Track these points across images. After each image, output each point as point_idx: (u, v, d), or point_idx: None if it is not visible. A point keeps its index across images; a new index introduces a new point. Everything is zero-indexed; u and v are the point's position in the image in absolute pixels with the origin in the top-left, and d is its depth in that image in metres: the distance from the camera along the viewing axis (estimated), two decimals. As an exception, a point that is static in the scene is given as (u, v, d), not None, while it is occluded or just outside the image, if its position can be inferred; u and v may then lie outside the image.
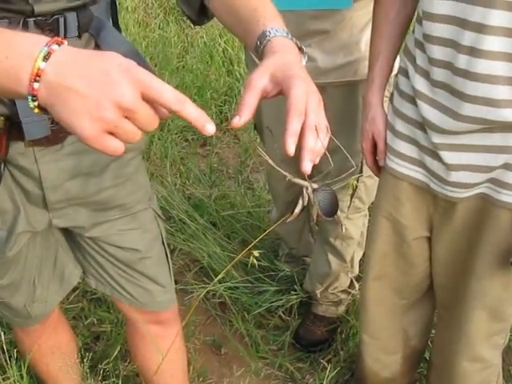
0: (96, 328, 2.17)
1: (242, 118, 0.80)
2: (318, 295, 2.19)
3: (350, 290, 2.22)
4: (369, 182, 1.88)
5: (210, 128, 0.74)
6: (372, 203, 2.21)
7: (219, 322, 2.26)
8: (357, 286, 2.23)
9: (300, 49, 0.91)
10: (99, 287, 1.46)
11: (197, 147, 3.17)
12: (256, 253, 1.42)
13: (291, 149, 0.78)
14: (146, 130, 0.72)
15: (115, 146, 0.71)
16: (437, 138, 1.29)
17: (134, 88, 0.68)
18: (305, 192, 0.91)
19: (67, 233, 1.38)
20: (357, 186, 1.87)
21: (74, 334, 1.76)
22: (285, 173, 0.89)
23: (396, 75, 1.45)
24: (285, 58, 0.86)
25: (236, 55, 3.70)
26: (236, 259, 1.45)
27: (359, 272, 2.19)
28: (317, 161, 0.81)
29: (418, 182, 1.40)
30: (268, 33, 0.90)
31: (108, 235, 1.35)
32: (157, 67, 3.55)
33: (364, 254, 2.19)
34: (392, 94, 1.45)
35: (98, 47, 1.15)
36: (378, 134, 1.45)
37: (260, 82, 0.83)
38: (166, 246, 1.48)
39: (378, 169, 1.50)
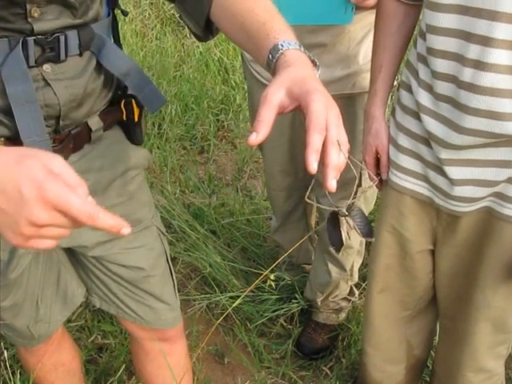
0: (100, 340, 2.12)
1: (260, 134, 0.76)
2: (319, 303, 2.16)
3: (350, 298, 2.19)
4: (368, 193, 1.86)
5: (126, 231, 0.74)
6: (370, 213, 2.19)
7: (222, 332, 2.23)
8: (356, 293, 2.21)
9: (313, 62, 0.88)
10: (103, 306, 1.42)
11: (195, 155, 3.15)
12: (272, 276, 1.39)
13: (313, 166, 0.74)
14: (73, 228, 0.72)
15: (45, 245, 0.72)
16: (442, 153, 1.25)
17: (45, 207, 0.69)
18: (342, 218, 0.87)
19: (70, 252, 1.34)
20: (355, 196, 1.83)
21: (78, 349, 1.71)
22: (313, 202, 0.85)
23: (397, 89, 1.41)
24: (300, 71, 0.82)
25: (231, 64, 3.68)
26: (254, 284, 1.40)
27: (359, 280, 2.17)
28: (338, 176, 0.77)
29: (422, 196, 1.36)
30: (280, 46, 0.86)
31: (111, 254, 1.31)
32: (154, 77, 3.52)
33: (364, 262, 2.16)
34: (393, 109, 1.40)
35: (99, 65, 1.11)
36: (381, 148, 1.41)
37: (276, 96, 0.79)
38: (171, 263, 1.44)
39: (381, 182, 1.46)
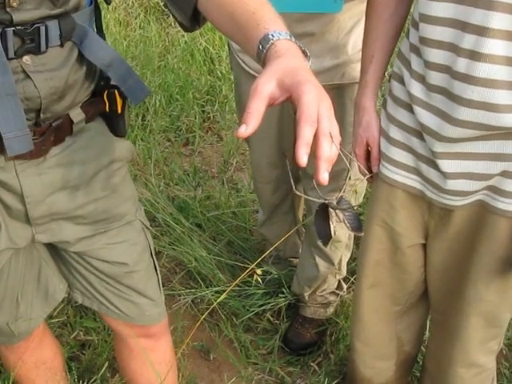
0: (82, 337, 2.11)
1: (250, 126, 0.76)
2: (306, 298, 2.16)
3: (338, 292, 2.18)
4: (359, 186, 1.85)
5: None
6: (359, 206, 2.19)
7: (207, 327, 2.22)
8: (345, 287, 2.20)
9: (304, 52, 0.86)
10: (86, 302, 1.41)
11: (180, 147, 3.13)
12: (259, 271, 1.39)
13: (303, 159, 0.73)
14: None
15: None
16: (435, 146, 1.24)
17: None
18: (331, 211, 0.87)
19: (51, 247, 1.33)
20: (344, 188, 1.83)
21: (60, 346, 1.69)
22: (301, 194, 0.84)
23: (388, 81, 1.40)
24: (291, 62, 0.81)
25: (217, 54, 3.65)
26: (240, 279, 1.40)
27: (347, 274, 2.16)
28: (329, 169, 0.76)
29: (414, 189, 1.35)
30: (271, 36, 0.85)
31: (94, 249, 1.30)
32: (138, 67, 3.49)
33: (353, 256, 2.16)
34: (385, 100, 1.39)
35: (81, 56, 1.09)
36: (372, 140, 1.40)
37: (267, 87, 0.78)
38: (155, 258, 1.43)
39: (371, 176, 1.45)
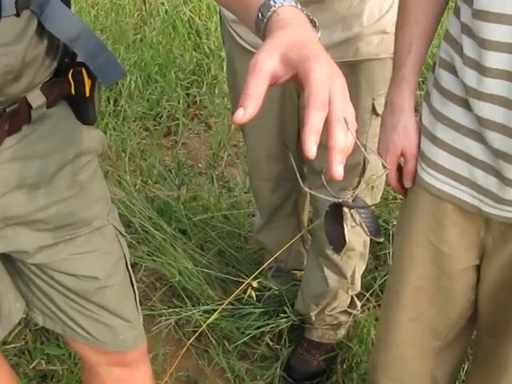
0: (44, 367, 2.11)
1: (248, 110, 0.76)
2: (313, 318, 2.16)
3: (350, 311, 2.19)
4: (374, 183, 1.85)
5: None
6: (376, 207, 2.19)
7: (194, 354, 2.22)
8: (358, 304, 2.21)
9: (312, 21, 0.86)
10: (48, 324, 1.41)
11: (160, 137, 3.14)
12: (255, 283, 1.38)
13: (312, 151, 0.73)
14: None
15: None
16: (499, 143, 1.22)
17: None
18: (346, 211, 0.86)
19: (6, 258, 1.32)
20: (358, 185, 1.83)
21: (17, 377, 1.69)
22: (310, 190, 0.84)
23: (432, 70, 1.38)
24: (297, 33, 0.81)
25: (204, 25, 3.66)
26: (232, 296, 1.39)
27: (361, 288, 2.18)
28: (344, 162, 0.75)
29: (465, 204, 1.32)
30: (273, 2, 0.84)
31: (57, 261, 1.29)
32: (109, 41, 3.50)
33: (368, 268, 2.16)
34: (427, 93, 1.37)
35: (41, 27, 1.09)
36: (410, 150, 1.37)
37: (268, 64, 0.78)
38: (131, 271, 1.43)
39: (404, 189, 1.44)
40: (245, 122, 0.76)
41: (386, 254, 2.45)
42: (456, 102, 1.28)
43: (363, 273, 2.13)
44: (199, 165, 3.02)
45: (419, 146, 1.37)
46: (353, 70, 1.67)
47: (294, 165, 0.86)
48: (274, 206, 2.10)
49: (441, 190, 1.33)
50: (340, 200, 0.85)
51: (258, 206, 2.19)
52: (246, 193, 2.73)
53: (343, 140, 0.75)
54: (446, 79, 1.29)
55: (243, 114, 0.76)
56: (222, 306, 1.47)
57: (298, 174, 0.84)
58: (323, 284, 2.06)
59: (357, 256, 2.03)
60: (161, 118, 3.22)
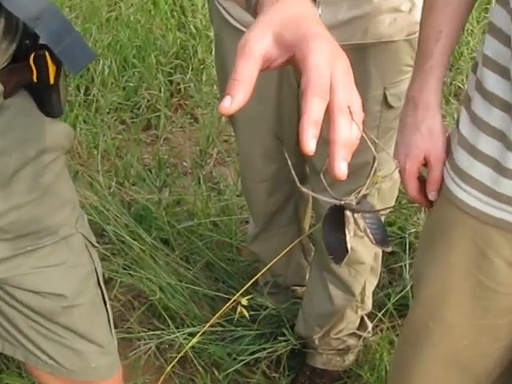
0: (2, 399, 2.11)
1: (236, 98, 0.75)
2: (317, 342, 2.17)
3: (360, 333, 2.20)
4: (385, 186, 1.84)
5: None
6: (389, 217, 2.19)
7: (178, 383, 2.22)
8: (370, 326, 2.22)
9: None
10: (7, 349, 1.41)
11: (138, 132, 3.14)
12: (244, 301, 1.37)
13: (310, 145, 0.72)
14: None
15: None
16: None
17: None
18: (349, 215, 0.86)
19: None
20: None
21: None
22: (309, 191, 0.86)
23: (472, 70, 1.37)
24: (293, 9, 0.81)
25: (189, 1, 3.66)
26: (219, 313, 1.40)
27: (373, 307, 2.18)
28: (349, 158, 0.75)
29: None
30: None
31: (17, 276, 1.29)
32: (78, 20, 3.50)
33: (381, 283, 2.16)
34: (467, 97, 1.36)
35: (-3, 4, 1.08)
36: (436, 154, 1.35)
37: (260, 45, 0.77)
38: (103, 287, 1.43)
39: (427, 199, 1.43)
40: (232, 113, 0.75)
41: (401, 266, 2.45)
42: (503, 109, 1.24)
43: (375, 289, 2.13)
44: (184, 163, 3.02)
45: (446, 151, 1.36)
46: (361, 55, 1.66)
47: (290, 162, 0.85)
48: (271, 212, 2.09)
49: (482, 211, 1.30)
50: (342, 202, 0.85)
51: (251, 211, 2.19)
52: (238, 196, 2.73)
53: (347, 132, 0.75)
54: (492, 81, 1.26)
55: (230, 104, 0.74)
56: (206, 327, 1.47)
57: (293, 173, 0.84)
58: (328, 303, 2.06)
59: (367, 270, 2.03)
60: (139, 109, 3.22)
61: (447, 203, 1.36)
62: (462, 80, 3.31)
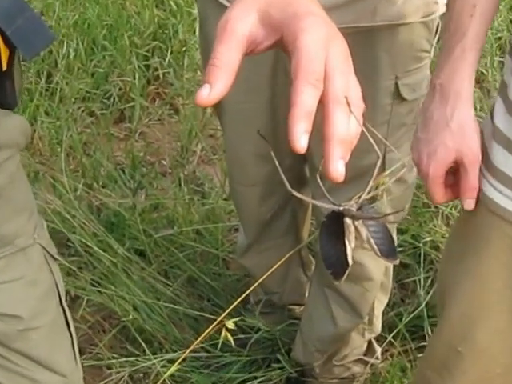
0: None
1: (216, 87, 0.75)
2: (317, 369, 2.17)
3: (367, 359, 2.20)
4: (396, 190, 1.83)
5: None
6: (404, 226, 2.19)
7: (156, 419, 2.22)
8: (378, 351, 2.22)
9: None
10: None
11: (109, 125, 3.14)
12: (230, 324, 1.36)
13: (300, 142, 0.73)
14: None
15: None
16: None
17: None
18: (349, 223, 0.85)
19: None
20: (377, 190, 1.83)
21: None
22: (298, 194, 0.84)
23: (510, 52, 1.36)
24: None
25: (169, -27, 3.65)
26: (201, 338, 1.40)
27: (383, 329, 2.19)
28: (347, 157, 0.76)
29: None
30: None
31: (-35, 294, 1.29)
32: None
33: (391, 302, 2.15)
34: (503, 84, 1.35)
35: None
36: (470, 156, 1.34)
37: (243, 24, 0.77)
38: (66, 308, 1.42)
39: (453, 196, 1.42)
40: (217, 104, 0.76)
41: (415, 281, 2.46)
42: None
43: (384, 308, 2.13)
44: (162, 162, 3.03)
45: (481, 151, 1.34)
46: (369, 39, 1.66)
47: (277, 162, 0.85)
48: (264, 220, 2.09)
49: None
50: (340, 208, 0.84)
51: (241, 219, 2.19)
52: (225, 200, 2.73)
53: (344, 127, 0.75)
54: None
55: (209, 93, 0.74)
56: (186, 353, 1.47)
57: (282, 174, 0.83)
58: (330, 325, 2.06)
59: (376, 287, 2.03)
60: (110, 98, 3.22)
61: (480, 207, 1.35)
62: (486, 64, 3.31)
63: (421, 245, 2.50)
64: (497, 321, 1.42)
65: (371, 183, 0.91)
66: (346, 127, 0.75)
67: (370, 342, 2.18)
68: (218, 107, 1.97)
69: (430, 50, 1.73)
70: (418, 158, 1.39)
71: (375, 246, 0.86)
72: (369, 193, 0.88)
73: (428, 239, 2.52)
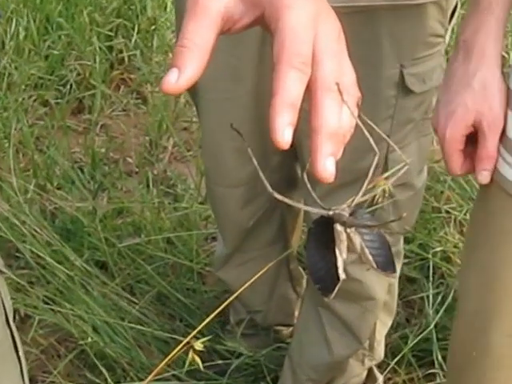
0: None
1: (185, 72, 0.75)
2: (309, 401, 2.16)
3: (367, 389, 2.21)
4: (401, 196, 1.83)
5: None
6: (411, 236, 2.17)
7: None
8: (380, 378, 2.23)
9: None
10: None
11: (66, 116, 3.15)
12: (199, 344, 1.36)
13: (283, 136, 0.73)
14: None
15: None
16: None
17: None
18: (340, 230, 0.84)
19: None
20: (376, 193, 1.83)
21: None
22: (281, 196, 0.83)
23: None
24: None
25: None
26: (164, 363, 1.40)
27: (386, 354, 2.19)
28: (340, 154, 0.76)
29: None
30: None
31: None
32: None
33: (394, 324, 2.14)
34: None
35: None
36: (491, 119, 1.35)
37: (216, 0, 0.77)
38: (14, 327, 1.40)
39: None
40: (180, 91, 0.75)
41: (422, 298, 2.46)
42: None
43: (390, 330, 2.15)
44: (128, 160, 3.04)
45: (505, 116, 1.35)
46: (370, 21, 1.66)
47: (254, 160, 0.85)
48: (246, 227, 2.08)
49: None
50: (331, 212, 0.84)
51: (219, 226, 2.18)
52: (201, 204, 2.73)
53: (334, 118, 0.75)
54: None
55: (177, 79, 0.74)
56: (149, 379, 1.48)
57: (261, 173, 0.84)
58: (325, 350, 2.05)
59: (378, 307, 2.02)
60: (66, 85, 3.22)
61: (496, 189, 1.37)
62: (506, 46, 3.32)
63: (430, 256, 2.50)
64: None
65: (367, 183, 0.91)
66: (336, 118, 0.75)
67: (370, 370, 2.18)
68: (193, 95, 1.98)
69: (443, 34, 1.72)
70: (436, 122, 1.41)
71: (370, 257, 0.86)
72: (364, 195, 0.88)
73: (438, 249, 2.53)
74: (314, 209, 0.84)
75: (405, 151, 1.75)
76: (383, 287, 1.99)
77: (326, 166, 0.74)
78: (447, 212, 2.66)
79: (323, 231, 0.85)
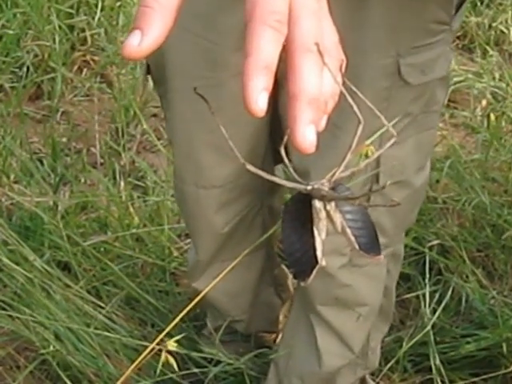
0: None
1: (149, 34, 0.75)
2: (296, 413, 2.16)
3: (359, 399, 2.20)
4: (396, 195, 1.80)
5: None
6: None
7: None
8: None
9: None
10: None
11: (22, 102, 3.15)
12: (172, 344, 1.32)
13: (258, 104, 0.73)
14: None
15: None
16: None
17: None
18: (319, 207, 0.84)
19: None
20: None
21: None
22: (255, 169, 0.83)
23: None
24: None
25: None
26: (132, 368, 1.35)
27: (381, 360, 2.18)
28: (322, 124, 0.78)
29: None
30: None
31: None
32: None
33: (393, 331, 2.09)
34: None
35: None
36: None
37: None
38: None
39: None
40: (142, 57, 0.75)
41: (418, 297, 2.46)
42: None
43: (384, 337, 2.17)
44: (92, 150, 3.04)
45: None
46: (361, 2, 1.64)
47: (233, 146, 0.84)
48: (221, 234, 2.05)
49: None
50: (308, 187, 0.84)
51: (190, 231, 2.15)
52: (173, 197, 2.68)
53: (314, 82, 0.75)
54: None
55: (140, 42, 0.74)
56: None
57: (231, 144, 0.84)
58: (314, 360, 2.03)
59: (373, 314, 2.01)
60: (22, 68, 3.23)
61: None
62: (506, 21, 3.31)
63: (426, 250, 2.51)
64: None
65: (349, 155, 0.89)
66: (316, 82, 0.76)
67: (363, 380, 2.17)
68: (161, 84, 1.95)
69: (448, 21, 1.69)
70: None
71: (352, 238, 0.86)
72: (346, 169, 0.88)
73: (435, 243, 2.54)
74: (291, 183, 0.85)
75: (401, 147, 1.74)
76: (377, 291, 1.99)
77: (306, 134, 0.74)
78: (444, 202, 2.68)
79: (301, 209, 0.86)
